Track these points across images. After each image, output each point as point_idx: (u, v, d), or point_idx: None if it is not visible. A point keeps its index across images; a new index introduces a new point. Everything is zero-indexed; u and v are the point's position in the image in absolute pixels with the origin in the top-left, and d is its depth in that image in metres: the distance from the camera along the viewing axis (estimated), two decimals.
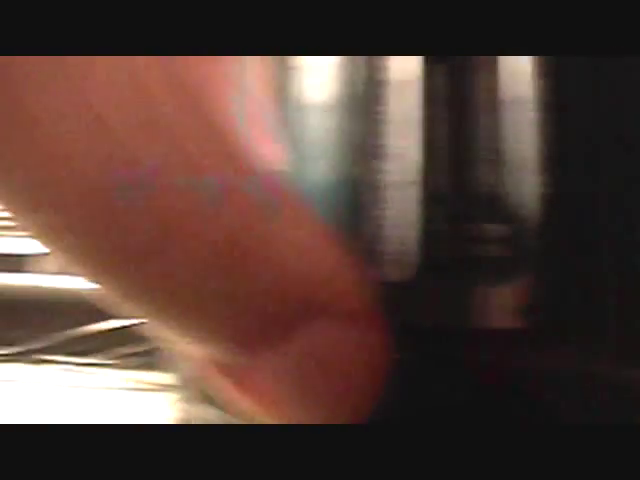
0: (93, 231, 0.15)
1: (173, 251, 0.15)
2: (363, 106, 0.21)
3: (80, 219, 0.14)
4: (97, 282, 0.16)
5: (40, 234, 0.15)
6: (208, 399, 0.28)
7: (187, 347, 0.18)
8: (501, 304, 0.21)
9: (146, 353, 0.40)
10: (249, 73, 0.23)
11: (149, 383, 0.40)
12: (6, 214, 0.54)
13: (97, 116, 0.14)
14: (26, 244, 0.49)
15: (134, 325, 0.39)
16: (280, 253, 0.16)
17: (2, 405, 0.39)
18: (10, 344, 0.42)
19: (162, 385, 0.40)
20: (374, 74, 0.21)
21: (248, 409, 0.18)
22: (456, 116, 0.21)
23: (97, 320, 0.41)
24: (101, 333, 0.40)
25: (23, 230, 0.16)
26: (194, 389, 0.29)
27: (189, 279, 0.15)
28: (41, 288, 0.45)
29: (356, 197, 0.21)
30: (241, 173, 0.16)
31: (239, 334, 0.17)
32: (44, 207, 0.15)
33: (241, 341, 0.17)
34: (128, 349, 0.41)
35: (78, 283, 0.47)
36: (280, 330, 0.17)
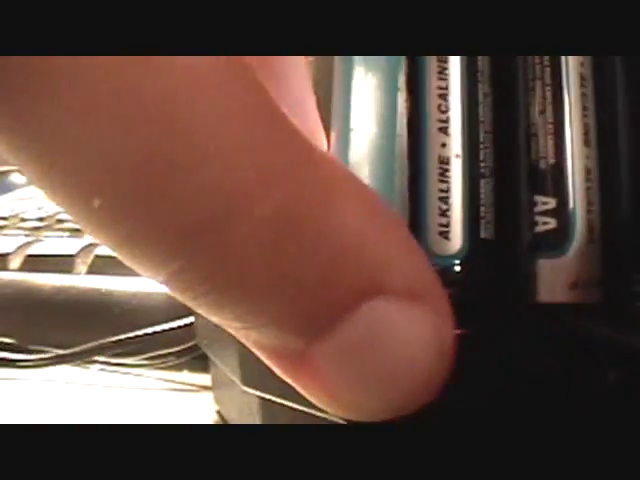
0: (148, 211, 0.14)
1: (228, 231, 0.14)
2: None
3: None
4: (150, 272, 0.15)
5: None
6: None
7: (243, 334, 0.17)
8: (558, 277, 0.21)
9: (182, 354, 0.40)
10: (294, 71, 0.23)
11: (184, 383, 0.41)
12: (59, 214, 0.53)
13: None
14: (68, 244, 0.49)
15: (173, 329, 0.40)
16: (337, 233, 0.16)
17: (42, 406, 0.39)
18: (49, 346, 0.43)
19: (198, 386, 0.41)
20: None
21: (312, 396, 0.17)
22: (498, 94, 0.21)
23: (136, 323, 0.42)
24: (139, 337, 0.40)
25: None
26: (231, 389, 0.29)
27: (244, 260, 0.15)
28: (77, 289, 0.46)
29: (409, 171, 0.21)
30: (301, 153, 0.15)
31: (294, 317, 0.16)
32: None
33: (297, 325, 0.16)
34: (164, 350, 0.41)
35: (113, 284, 0.47)
36: (337, 312, 0.16)
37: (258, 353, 0.17)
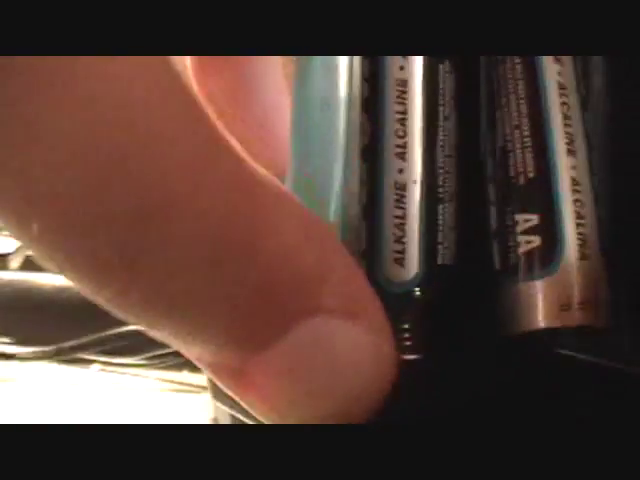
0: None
1: (162, 247, 0.15)
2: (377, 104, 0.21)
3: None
4: (84, 283, 0.15)
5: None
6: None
7: (184, 349, 0.17)
8: (548, 299, 0.20)
9: (179, 353, 0.40)
10: (270, 72, 0.22)
11: (181, 383, 0.41)
12: None
13: None
14: None
15: None
16: (274, 252, 0.16)
17: (42, 406, 0.39)
18: (44, 343, 0.43)
19: (194, 386, 0.41)
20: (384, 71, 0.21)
21: (252, 408, 0.18)
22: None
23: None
24: (133, 334, 0.40)
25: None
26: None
27: (179, 280, 0.15)
28: (76, 288, 0.46)
29: (365, 197, 0.20)
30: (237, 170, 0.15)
31: (231, 334, 0.16)
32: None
33: (234, 341, 0.16)
34: (160, 349, 0.41)
35: None
36: (273, 331, 0.16)
37: (201, 367, 0.17)
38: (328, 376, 0.17)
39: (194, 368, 0.42)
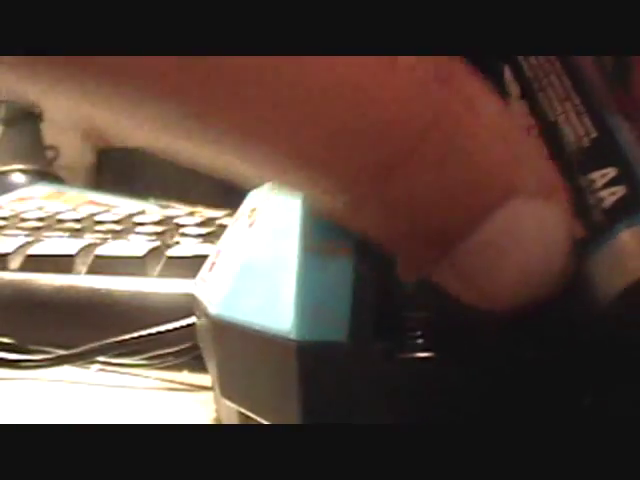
0: None
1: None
2: None
3: None
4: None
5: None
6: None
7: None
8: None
9: (180, 354, 0.40)
10: None
11: (182, 383, 0.41)
12: (59, 215, 0.53)
13: None
14: (68, 244, 0.49)
15: (176, 329, 0.40)
16: (477, 135, 0.17)
17: (40, 405, 0.39)
18: (49, 346, 0.43)
19: (194, 385, 0.41)
20: None
21: (449, 289, 0.19)
22: None
23: (136, 323, 0.42)
24: (141, 337, 0.40)
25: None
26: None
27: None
28: (77, 289, 0.46)
29: None
30: None
31: (437, 221, 0.17)
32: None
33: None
34: (162, 349, 0.41)
35: (113, 284, 0.47)
36: (477, 213, 0.17)
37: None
38: (535, 255, 0.18)
39: (194, 368, 0.42)
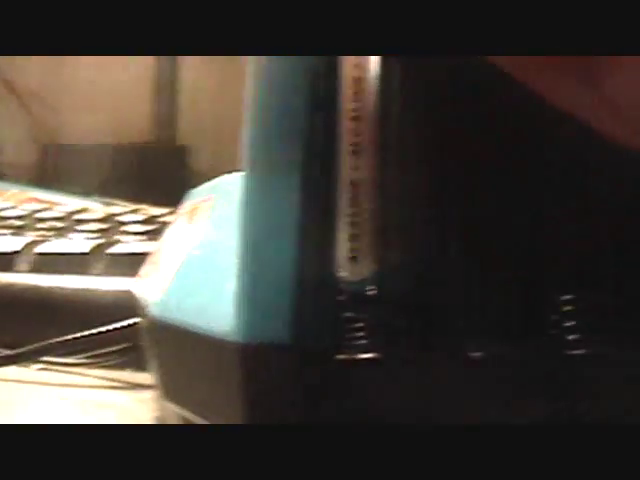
0: None
1: None
2: None
3: None
4: None
5: None
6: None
7: None
8: None
9: (122, 352, 0.40)
10: None
11: (125, 382, 0.41)
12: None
13: None
14: (9, 242, 0.49)
15: (123, 327, 0.39)
16: None
17: None
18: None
19: (137, 384, 0.40)
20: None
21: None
22: None
23: (80, 323, 0.41)
24: (86, 337, 0.40)
25: None
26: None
27: None
28: (17, 286, 0.45)
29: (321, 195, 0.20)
30: None
31: None
32: None
33: None
34: (105, 348, 0.41)
35: (55, 282, 0.47)
36: None
37: None
38: None
39: (138, 366, 0.42)
